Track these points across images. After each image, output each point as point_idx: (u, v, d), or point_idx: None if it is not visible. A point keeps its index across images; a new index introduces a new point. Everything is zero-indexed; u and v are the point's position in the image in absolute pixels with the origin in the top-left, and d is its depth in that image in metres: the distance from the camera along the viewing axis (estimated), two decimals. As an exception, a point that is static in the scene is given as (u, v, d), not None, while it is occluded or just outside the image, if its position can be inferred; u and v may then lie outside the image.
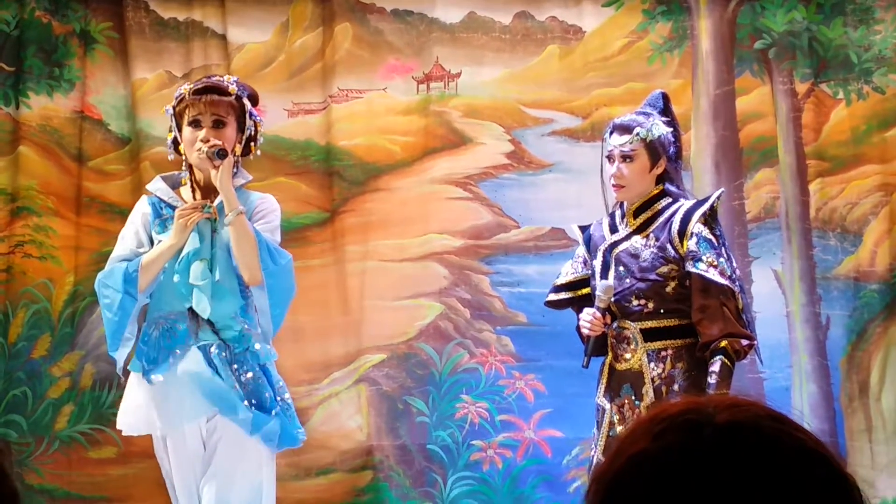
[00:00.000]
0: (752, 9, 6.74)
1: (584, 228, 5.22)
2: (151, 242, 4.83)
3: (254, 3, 6.85)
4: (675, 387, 4.87)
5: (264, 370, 4.80)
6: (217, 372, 4.71)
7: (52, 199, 6.74)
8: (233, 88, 4.84)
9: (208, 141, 4.72)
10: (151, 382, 4.72)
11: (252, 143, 4.91)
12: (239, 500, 4.71)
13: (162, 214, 4.86)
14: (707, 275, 4.83)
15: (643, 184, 5.00)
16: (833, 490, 1.42)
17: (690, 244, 4.87)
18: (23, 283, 6.71)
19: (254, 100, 4.92)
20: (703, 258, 4.84)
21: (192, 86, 4.86)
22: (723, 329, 4.80)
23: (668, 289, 4.90)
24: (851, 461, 6.48)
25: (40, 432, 6.65)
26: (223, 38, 6.85)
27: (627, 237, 5.01)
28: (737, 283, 4.88)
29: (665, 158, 5.00)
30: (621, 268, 4.97)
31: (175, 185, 4.92)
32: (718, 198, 5.00)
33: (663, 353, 4.91)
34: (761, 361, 5.44)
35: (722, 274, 4.83)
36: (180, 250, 4.75)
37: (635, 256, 4.96)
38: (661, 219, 4.96)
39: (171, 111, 4.87)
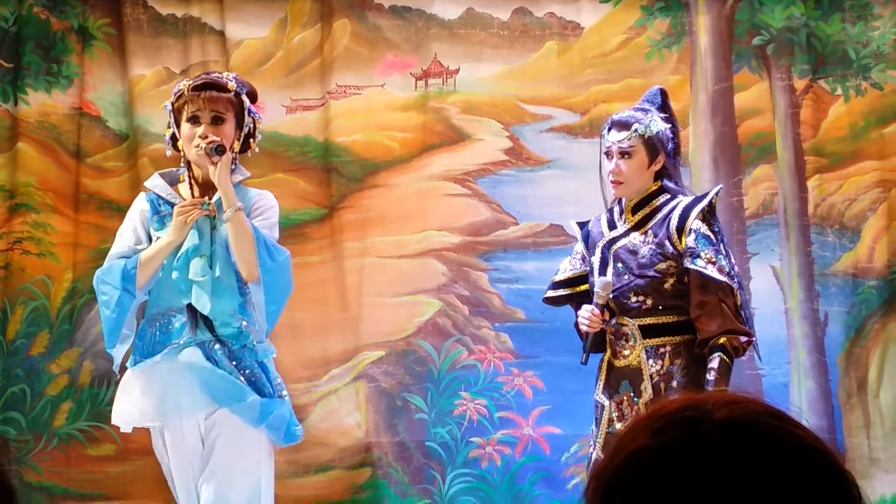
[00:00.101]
0: (751, 5, 6.74)
1: (582, 225, 5.21)
2: (150, 239, 4.83)
3: (252, -1, 6.85)
4: (674, 383, 4.87)
5: (262, 367, 4.80)
6: (218, 366, 4.71)
7: (51, 196, 6.74)
8: (232, 85, 4.84)
9: (207, 137, 4.72)
10: (144, 366, 4.71)
11: (250, 140, 4.91)
12: (238, 498, 4.71)
13: (160, 211, 4.86)
14: (705, 271, 4.82)
15: (641, 180, 5.00)
16: (831, 486, 1.42)
17: (689, 241, 4.86)
18: (21, 279, 6.70)
19: (252, 97, 4.92)
20: (702, 255, 4.84)
21: (190, 82, 4.87)
22: (721, 325, 4.80)
23: (667, 285, 4.90)
24: (849, 457, 6.49)
25: (39, 430, 6.65)
26: (221, 34, 6.85)
27: (626, 234, 5.01)
28: (735, 280, 4.88)
29: (663, 155, 5.00)
30: (620, 264, 4.97)
31: (173, 181, 4.92)
32: (717, 194, 5.00)
33: (662, 350, 4.91)
34: (760, 358, 5.44)
35: (720, 270, 4.83)
36: (179, 247, 4.75)
37: (634, 253, 4.95)
38: (660, 215, 4.96)
39: (170, 107, 4.87)
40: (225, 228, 4.73)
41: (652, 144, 4.97)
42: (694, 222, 4.88)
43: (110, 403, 6.47)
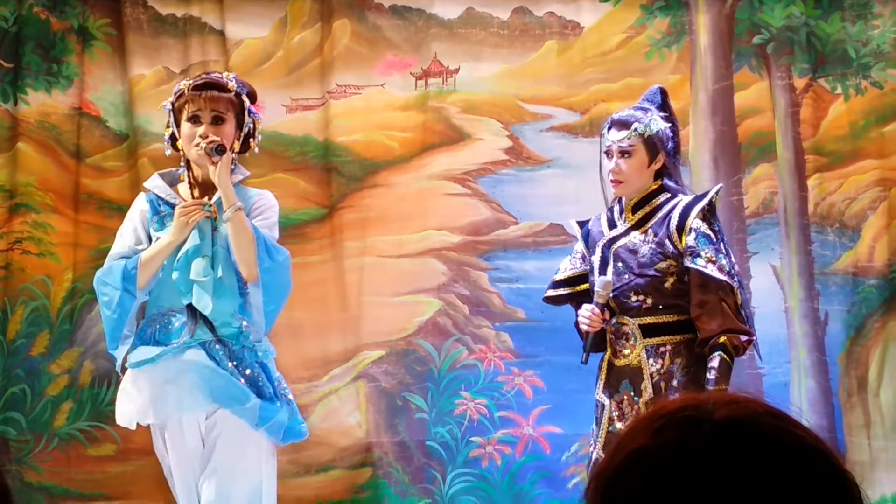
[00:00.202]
0: (750, 4, 6.74)
1: (582, 224, 5.21)
2: (150, 239, 4.83)
3: (252, -1, 6.86)
4: (674, 382, 4.87)
5: (263, 367, 4.80)
6: (219, 366, 4.71)
7: (51, 196, 6.74)
8: (232, 85, 4.84)
9: (207, 137, 4.72)
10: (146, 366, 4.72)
11: (250, 140, 4.91)
12: (239, 498, 4.71)
13: (160, 211, 4.86)
14: (706, 270, 4.82)
15: (641, 179, 4.99)
16: (832, 486, 1.42)
17: (689, 240, 4.86)
18: (21, 279, 6.70)
19: (252, 97, 4.92)
20: (702, 254, 4.84)
21: (191, 82, 4.87)
22: (722, 325, 4.79)
23: (667, 284, 4.90)
24: (850, 456, 6.49)
25: (39, 430, 6.65)
26: (221, 34, 6.85)
27: (626, 233, 5.01)
28: (735, 279, 4.88)
29: (663, 154, 5.00)
30: (620, 263, 4.97)
31: (173, 181, 4.92)
32: (717, 193, 5.00)
33: (662, 349, 4.91)
34: (760, 357, 5.44)
35: (721, 270, 4.83)
36: (179, 247, 4.75)
37: (634, 252, 4.95)
38: (660, 214, 4.96)
39: (170, 107, 4.87)
40: (225, 229, 4.73)
41: (652, 143, 4.97)
42: (694, 221, 4.88)
43: (111, 403, 6.50)
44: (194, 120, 4.79)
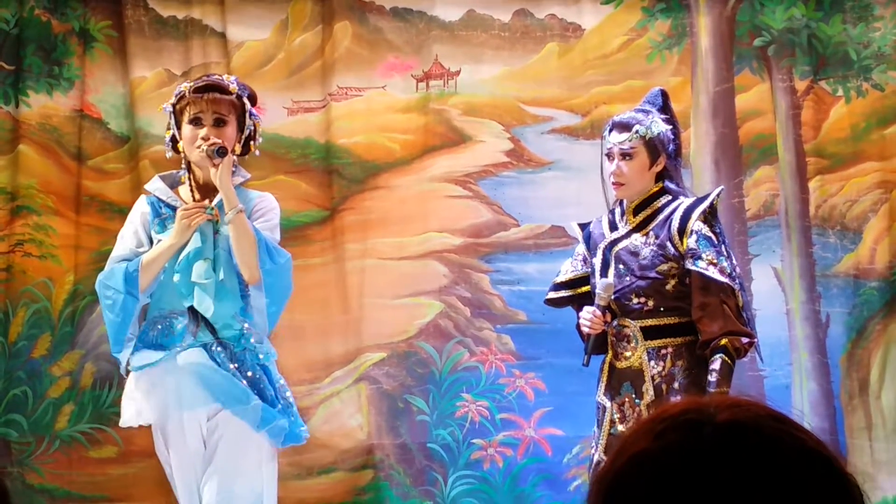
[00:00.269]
0: (752, 6, 6.74)
1: (583, 226, 5.21)
2: (151, 242, 4.83)
3: (253, 1, 6.85)
4: (676, 385, 4.87)
5: (265, 369, 4.80)
6: (220, 367, 4.72)
7: (52, 198, 6.74)
8: (233, 87, 4.84)
9: (208, 139, 4.72)
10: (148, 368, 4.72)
11: (251, 143, 4.91)
12: (240, 500, 4.71)
13: (161, 214, 4.86)
14: (707, 273, 4.82)
15: (643, 181, 5.00)
16: (834, 490, 1.42)
17: (690, 242, 4.86)
18: (23, 282, 6.70)
19: (252, 99, 4.93)
20: (703, 256, 4.84)
21: (192, 84, 4.87)
22: (723, 327, 4.79)
23: (668, 287, 4.90)
24: (851, 459, 6.48)
25: (41, 432, 6.65)
26: (222, 36, 6.85)
27: (627, 235, 5.01)
28: (737, 281, 4.88)
29: (664, 156, 5.00)
30: (621, 266, 4.97)
31: (174, 184, 4.92)
32: (718, 195, 5.00)
33: (663, 351, 4.91)
34: (761, 359, 5.44)
35: (722, 272, 4.83)
36: (180, 250, 4.75)
37: (635, 254, 4.95)
38: (661, 216, 4.96)
39: (171, 109, 4.87)
40: (227, 231, 4.73)
41: (653, 146, 4.97)
42: (695, 224, 4.88)
43: (112, 405, 6.51)
44: (196, 122, 4.79)
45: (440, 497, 6.59)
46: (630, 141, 4.96)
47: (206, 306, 4.70)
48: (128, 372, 4.84)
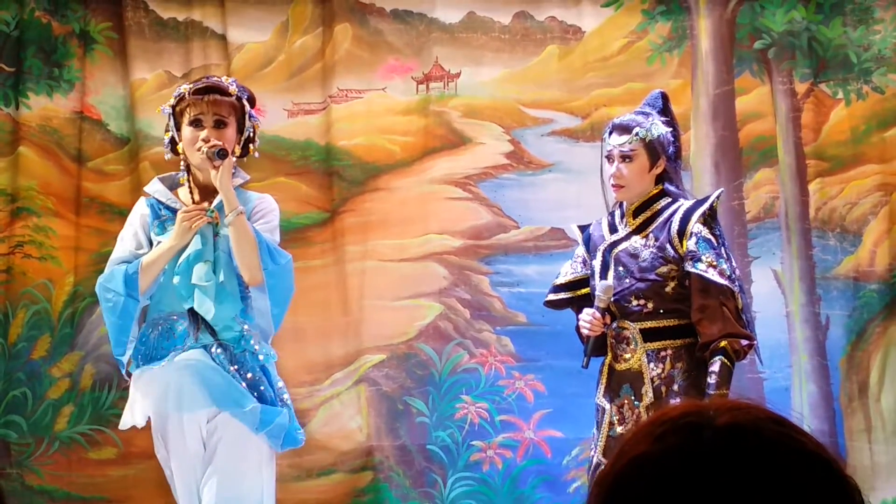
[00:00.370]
0: (752, 8, 6.74)
1: (583, 228, 5.22)
2: (150, 244, 4.83)
3: (253, 3, 6.85)
4: (675, 387, 4.87)
5: (264, 371, 4.80)
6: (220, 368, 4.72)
7: (52, 200, 6.75)
8: (233, 89, 4.84)
9: (209, 141, 4.72)
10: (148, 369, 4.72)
11: (250, 145, 4.91)
12: (239, 501, 4.70)
13: (160, 216, 4.86)
14: (706, 275, 4.82)
15: (642, 184, 5.00)
16: (833, 492, 1.42)
17: (690, 244, 4.86)
18: (23, 283, 6.71)
19: (251, 101, 4.92)
20: (703, 258, 4.84)
21: (191, 85, 4.86)
22: (722, 329, 4.80)
23: (668, 289, 4.90)
24: (851, 461, 6.49)
25: (40, 433, 6.65)
26: (223, 38, 6.85)
27: (627, 237, 5.01)
28: (736, 283, 4.88)
29: (664, 158, 5.00)
30: (621, 268, 4.97)
31: (173, 186, 4.92)
32: (718, 198, 5.00)
33: (663, 354, 4.91)
34: (761, 361, 5.44)
35: (721, 274, 4.83)
36: (180, 252, 4.75)
37: (635, 256, 4.96)
38: (661, 219, 4.96)
39: (170, 111, 4.86)
40: (227, 233, 4.73)
41: (653, 148, 4.97)
42: (695, 226, 4.88)
43: (112, 407, 6.52)
44: (196, 124, 4.79)
45: (439, 499, 6.59)
46: (630, 143, 4.96)
47: (207, 308, 4.70)
48: (129, 374, 4.84)
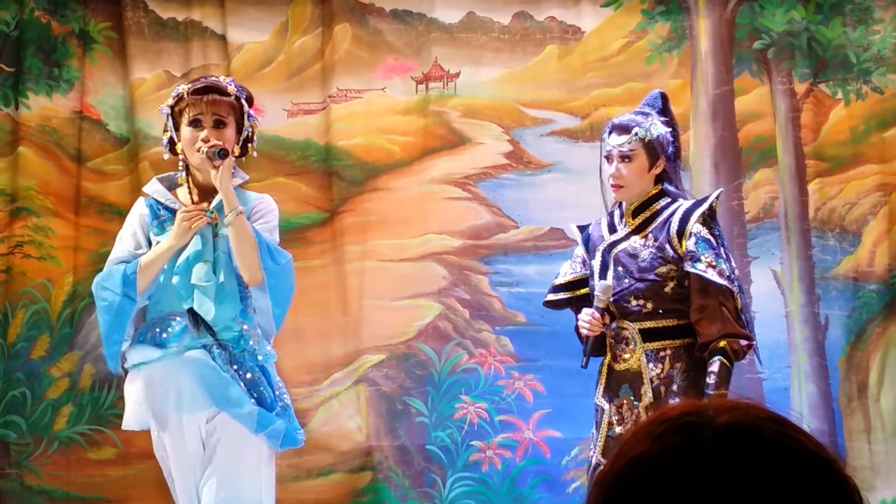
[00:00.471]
0: (751, 9, 6.74)
1: (582, 228, 5.21)
2: (149, 244, 4.82)
3: (253, 3, 6.86)
4: (674, 387, 4.87)
5: (264, 371, 4.79)
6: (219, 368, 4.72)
7: (52, 200, 6.75)
8: (232, 89, 4.84)
9: (209, 141, 4.72)
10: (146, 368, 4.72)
11: (249, 145, 4.91)
12: (239, 501, 4.70)
13: (160, 216, 4.85)
14: (706, 275, 4.82)
15: (642, 184, 5.00)
16: (833, 493, 1.42)
17: (689, 244, 4.86)
18: (22, 283, 6.71)
19: (250, 101, 4.92)
20: (702, 258, 4.84)
21: (190, 85, 4.85)
22: (721, 329, 4.79)
23: (667, 289, 4.90)
24: (850, 461, 6.49)
25: (39, 433, 6.65)
26: (222, 38, 6.85)
27: (626, 237, 5.01)
28: (735, 284, 4.88)
29: (664, 158, 5.00)
30: (620, 268, 4.97)
31: (172, 186, 4.92)
32: (717, 198, 5.00)
33: (662, 354, 4.91)
34: (760, 362, 5.44)
35: (721, 274, 4.83)
36: (179, 252, 4.75)
37: (634, 256, 4.95)
38: (660, 219, 4.96)
39: (169, 110, 4.86)
40: (227, 233, 4.73)
41: (652, 148, 4.97)
42: (694, 226, 4.88)
43: (111, 407, 6.52)
44: (195, 124, 4.78)
45: (439, 499, 6.59)
46: (629, 143, 4.96)
47: (207, 309, 4.70)
48: (125, 370, 4.83)
